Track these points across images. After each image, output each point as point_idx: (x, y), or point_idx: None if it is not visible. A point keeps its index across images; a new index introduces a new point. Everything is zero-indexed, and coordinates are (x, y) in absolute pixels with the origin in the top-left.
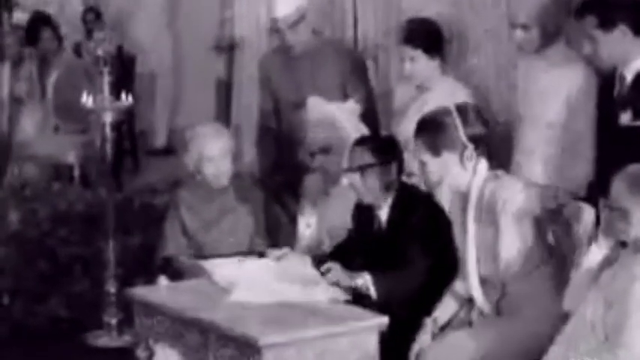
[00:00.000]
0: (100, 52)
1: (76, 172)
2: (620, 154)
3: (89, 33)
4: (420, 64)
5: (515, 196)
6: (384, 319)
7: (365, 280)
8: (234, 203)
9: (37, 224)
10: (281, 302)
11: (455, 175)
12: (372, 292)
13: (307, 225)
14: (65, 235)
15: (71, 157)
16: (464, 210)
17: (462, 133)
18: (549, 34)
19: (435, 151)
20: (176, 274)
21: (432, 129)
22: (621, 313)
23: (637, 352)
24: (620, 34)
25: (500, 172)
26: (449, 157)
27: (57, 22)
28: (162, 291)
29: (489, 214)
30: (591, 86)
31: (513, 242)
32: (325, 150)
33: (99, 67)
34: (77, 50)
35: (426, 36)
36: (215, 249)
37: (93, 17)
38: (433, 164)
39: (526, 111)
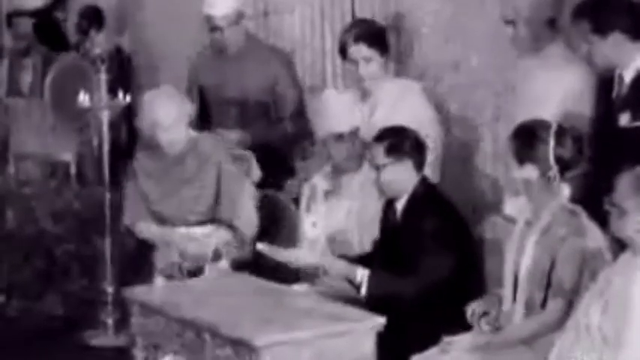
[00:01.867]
0: (97, 50)
1: (73, 171)
2: (619, 155)
3: (86, 32)
4: (374, 64)
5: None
6: (381, 320)
7: (362, 275)
8: (195, 171)
9: (33, 222)
10: (278, 302)
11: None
12: (363, 289)
13: (313, 224)
14: (62, 234)
15: (68, 156)
16: (528, 225)
17: (551, 152)
18: (544, 32)
19: (520, 160)
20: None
21: (524, 138)
22: (620, 317)
23: (637, 356)
24: (615, 39)
25: (578, 209)
26: (531, 171)
27: (59, 21)
28: (158, 291)
29: (552, 245)
30: (589, 87)
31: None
32: (339, 137)
33: (96, 66)
34: (75, 49)
35: (379, 35)
36: (178, 218)
37: (88, 17)
38: (515, 172)
39: (524, 111)
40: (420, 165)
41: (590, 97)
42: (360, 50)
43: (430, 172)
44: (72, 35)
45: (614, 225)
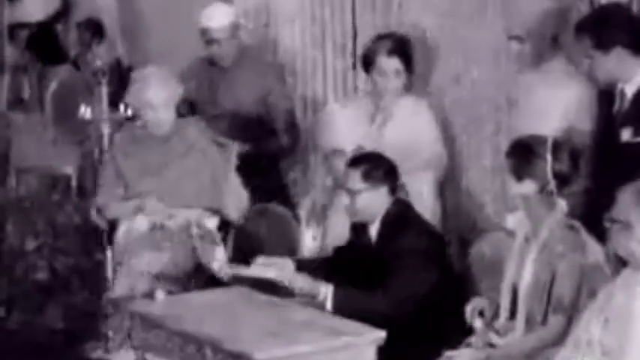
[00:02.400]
0: (98, 63)
1: (74, 183)
2: (620, 171)
3: (87, 45)
4: (401, 78)
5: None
6: (382, 334)
7: (326, 291)
8: (179, 153)
9: (34, 235)
10: (278, 316)
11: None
12: (328, 304)
13: (313, 237)
14: (63, 247)
15: (69, 169)
16: (527, 242)
17: (549, 167)
18: (546, 48)
19: (518, 176)
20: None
21: (521, 154)
22: (622, 332)
23: None
24: (617, 54)
25: (577, 225)
26: (530, 186)
27: (57, 34)
28: (159, 304)
29: (551, 260)
30: (591, 102)
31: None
32: (342, 152)
33: (97, 79)
34: (75, 62)
35: (408, 50)
36: (159, 200)
37: (89, 29)
38: (513, 188)
39: (525, 126)
40: (393, 190)
41: (592, 111)
42: (393, 63)
43: (432, 189)
44: (71, 48)
45: (616, 241)
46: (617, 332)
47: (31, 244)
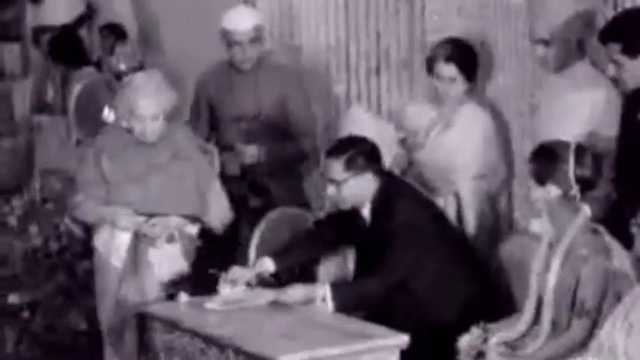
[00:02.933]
0: (122, 67)
1: None
2: None
3: (111, 48)
4: (458, 86)
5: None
6: (405, 338)
7: (325, 292)
8: (167, 160)
9: (57, 238)
10: (300, 318)
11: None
12: (330, 304)
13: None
14: (84, 250)
15: None
16: (551, 247)
17: (571, 171)
18: (571, 52)
19: (540, 180)
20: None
21: (544, 158)
22: None
23: None
24: None
25: (601, 229)
26: (553, 191)
27: (81, 38)
28: (181, 307)
29: (575, 265)
30: (615, 107)
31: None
32: None
33: (121, 82)
34: (98, 65)
35: (467, 57)
36: (142, 206)
37: (112, 33)
38: (536, 192)
39: (549, 130)
40: (379, 171)
41: (615, 116)
42: (448, 69)
43: (484, 199)
44: (95, 52)
45: None
46: None
47: (53, 247)
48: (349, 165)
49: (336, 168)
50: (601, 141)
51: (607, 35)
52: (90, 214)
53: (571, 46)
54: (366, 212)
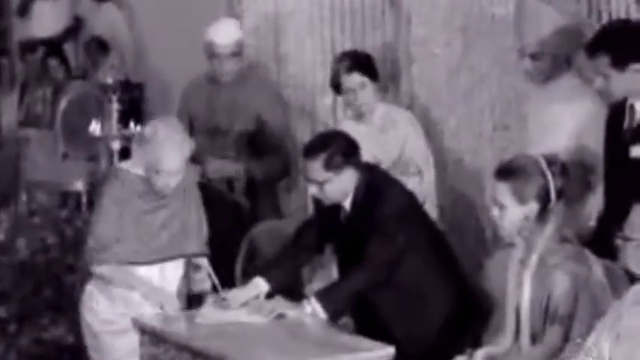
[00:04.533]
0: (109, 80)
1: (84, 200)
2: (630, 187)
3: (96, 63)
4: (368, 90)
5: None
6: (391, 350)
7: (313, 306)
8: (176, 207)
9: (44, 251)
10: (289, 332)
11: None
12: (323, 315)
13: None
14: (73, 263)
15: (79, 185)
16: (523, 262)
17: (552, 185)
18: (560, 65)
19: (522, 199)
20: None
21: (520, 176)
22: (633, 349)
23: None
24: (633, 72)
25: (570, 235)
26: (534, 207)
27: (66, 52)
28: (169, 320)
29: (547, 274)
30: (601, 118)
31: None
32: None
33: (107, 96)
34: (83, 78)
35: (365, 61)
36: (146, 257)
37: (95, 47)
38: (515, 213)
39: (535, 142)
40: (358, 164)
41: (601, 128)
42: (354, 78)
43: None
44: (81, 65)
45: (630, 258)
46: (627, 349)
47: (41, 260)
48: (329, 164)
49: (316, 168)
50: (588, 152)
51: (595, 48)
52: (121, 282)
53: (560, 60)
54: (347, 203)
